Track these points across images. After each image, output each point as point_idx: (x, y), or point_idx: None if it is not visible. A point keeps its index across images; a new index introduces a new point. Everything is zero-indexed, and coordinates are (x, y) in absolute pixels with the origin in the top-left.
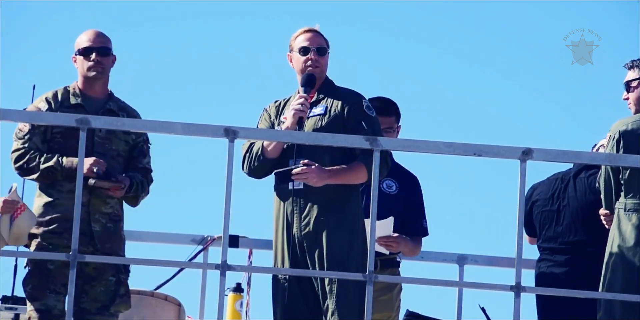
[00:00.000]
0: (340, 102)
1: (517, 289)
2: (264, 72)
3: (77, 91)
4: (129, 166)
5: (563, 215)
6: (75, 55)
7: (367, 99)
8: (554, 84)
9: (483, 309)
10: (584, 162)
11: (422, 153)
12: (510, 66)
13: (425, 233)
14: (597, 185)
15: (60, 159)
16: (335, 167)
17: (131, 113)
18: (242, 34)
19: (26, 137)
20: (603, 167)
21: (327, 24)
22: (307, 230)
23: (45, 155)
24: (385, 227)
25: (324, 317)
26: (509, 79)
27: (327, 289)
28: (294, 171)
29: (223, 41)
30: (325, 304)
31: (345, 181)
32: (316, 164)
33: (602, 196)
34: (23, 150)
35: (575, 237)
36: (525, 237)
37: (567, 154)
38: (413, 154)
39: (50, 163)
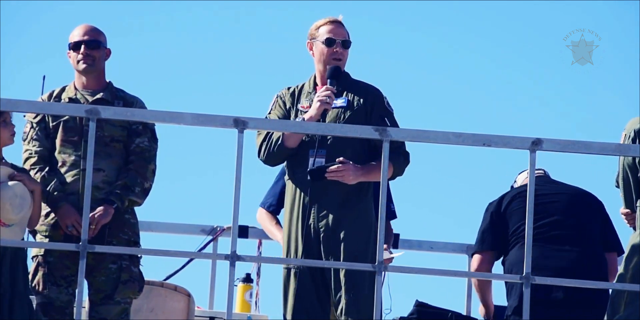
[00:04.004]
0: (363, 97)
1: (527, 279)
2: (272, 62)
3: (73, 87)
4: (127, 149)
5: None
6: (68, 51)
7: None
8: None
9: None
10: (593, 152)
11: (432, 143)
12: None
13: (394, 216)
14: (615, 184)
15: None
16: (368, 165)
17: (129, 101)
18: (249, 25)
19: (26, 141)
20: (621, 166)
21: (335, 15)
22: (324, 222)
23: (42, 170)
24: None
25: (333, 309)
26: (518, 72)
27: (342, 281)
28: (329, 169)
29: (227, 33)
30: (337, 297)
31: (375, 178)
32: (351, 162)
33: (621, 195)
34: (27, 155)
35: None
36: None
37: (577, 144)
38: (422, 145)
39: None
